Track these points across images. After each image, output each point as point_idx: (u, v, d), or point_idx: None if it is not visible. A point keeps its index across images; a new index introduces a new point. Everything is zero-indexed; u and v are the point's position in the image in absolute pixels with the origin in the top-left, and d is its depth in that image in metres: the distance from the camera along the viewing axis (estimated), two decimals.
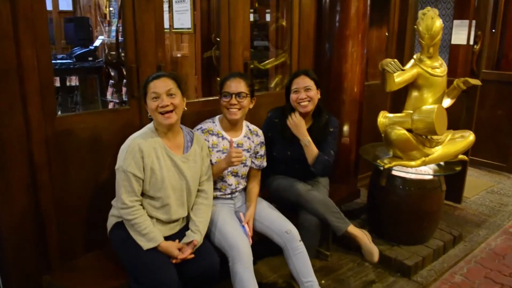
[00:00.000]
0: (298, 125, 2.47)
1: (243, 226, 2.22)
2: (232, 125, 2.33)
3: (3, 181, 1.87)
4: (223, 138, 2.31)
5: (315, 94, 2.50)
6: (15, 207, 1.92)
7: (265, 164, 2.51)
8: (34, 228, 2.00)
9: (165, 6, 4.62)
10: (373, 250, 2.36)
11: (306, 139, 2.47)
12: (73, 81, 5.60)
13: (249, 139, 2.40)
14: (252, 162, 2.44)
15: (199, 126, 2.32)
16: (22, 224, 1.96)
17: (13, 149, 1.86)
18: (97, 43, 5.42)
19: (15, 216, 1.93)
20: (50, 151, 1.99)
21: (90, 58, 5.18)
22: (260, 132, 2.47)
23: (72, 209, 2.14)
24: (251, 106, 2.34)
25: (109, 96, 5.07)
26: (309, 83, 2.49)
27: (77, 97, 5.56)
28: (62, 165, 2.06)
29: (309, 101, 2.49)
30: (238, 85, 2.25)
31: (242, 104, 2.25)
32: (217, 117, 2.38)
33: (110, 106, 4.96)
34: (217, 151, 2.29)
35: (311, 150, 2.47)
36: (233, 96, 2.23)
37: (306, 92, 2.48)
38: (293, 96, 2.51)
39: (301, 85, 2.48)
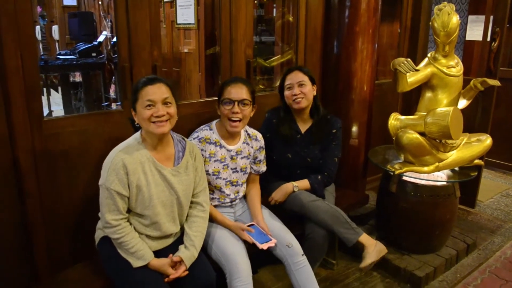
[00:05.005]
0: (280, 194, 2.37)
1: (256, 228, 2.13)
2: (230, 133, 2.18)
3: None
4: (221, 146, 2.16)
5: (309, 90, 2.39)
6: (0, 217, 1.81)
7: (264, 168, 2.37)
8: (21, 238, 1.90)
9: None
10: (367, 258, 2.22)
11: (292, 189, 2.36)
12: (77, 77, 5.54)
13: (248, 145, 2.25)
14: (251, 167, 2.31)
15: (195, 135, 2.15)
16: (8, 234, 1.85)
17: None
18: (100, 38, 5.33)
19: (0, 226, 1.82)
20: (37, 157, 1.88)
21: (94, 54, 5.10)
22: (259, 136, 2.32)
23: (61, 218, 2.03)
24: (252, 114, 2.17)
25: (112, 93, 4.98)
26: (303, 78, 2.38)
27: (81, 94, 5.51)
28: (50, 172, 1.95)
29: (302, 97, 2.37)
30: (240, 92, 2.08)
31: (244, 113, 2.09)
32: (214, 122, 2.21)
33: (113, 104, 4.87)
34: (215, 161, 2.14)
35: (304, 188, 2.39)
36: (236, 103, 2.06)
37: (300, 87, 2.37)
38: (287, 93, 2.42)
39: (295, 80, 2.38)
